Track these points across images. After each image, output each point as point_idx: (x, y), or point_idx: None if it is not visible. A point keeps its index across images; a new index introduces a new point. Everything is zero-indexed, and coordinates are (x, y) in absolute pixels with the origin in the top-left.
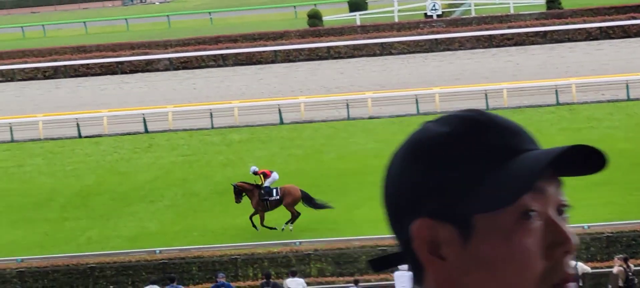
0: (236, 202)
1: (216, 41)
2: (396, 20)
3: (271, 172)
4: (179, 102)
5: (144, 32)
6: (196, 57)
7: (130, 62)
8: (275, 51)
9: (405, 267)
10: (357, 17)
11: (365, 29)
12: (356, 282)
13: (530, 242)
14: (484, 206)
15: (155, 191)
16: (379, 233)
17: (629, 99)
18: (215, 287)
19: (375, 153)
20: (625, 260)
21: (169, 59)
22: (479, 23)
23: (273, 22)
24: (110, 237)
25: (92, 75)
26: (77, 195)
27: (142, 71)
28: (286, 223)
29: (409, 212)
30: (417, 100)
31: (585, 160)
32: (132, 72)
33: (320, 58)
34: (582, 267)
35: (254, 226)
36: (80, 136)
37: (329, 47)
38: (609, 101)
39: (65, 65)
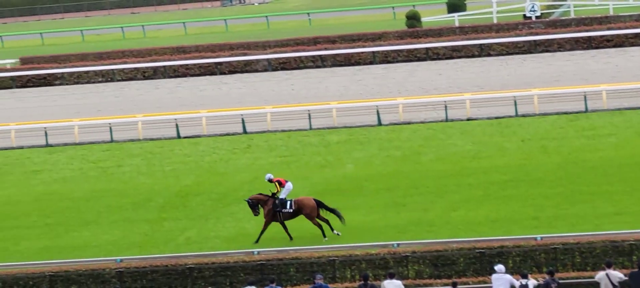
0: (254, 214)
1: (315, 42)
2: (495, 21)
3: (286, 181)
4: (277, 102)
5: (242, 33)
6: (295, 58)
7: (229, 62)
8: (373, 52)
9: (502, 268)
10: (456, 18)
11: (463, 30)
12: (454, 285)
13: None
14: None
15: (253, 192)
16: (477, 236)
17: None
18: None
19: (473, 154)
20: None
21: (267, 59)
22: (578, 24)
23: (371, 23)
24: (208, 238)
25: (191, 75)
26: (176, 195)
27: (241, 72)
28: (332, 231)
29: None
30: (515, 101)
31: None
32: (231, 72)
33: (419, 59)
34: (617, 275)
35: (260, 235)
36: (179, 136)
37: (427, 48)
38: None
39: (164, 66)
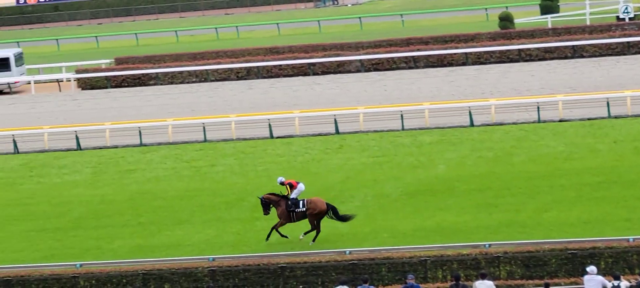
0: (265, 214)
1: (407, 43)
2: (588, 22)
3: (298, 183)
4: (370, 103)
5: (335, 34)
6: (387, 59)
7: (322, 63)
8: (466, 53)
9: (593, 269)
10: (549, 20)
11: (556, 32)
12: (547, 285)
13: None
14: None
15: (345, 192)
16: (569, 237)
17: None
18: None
19: (565, 156)
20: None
21: (360, 60)
22: None
23: (464, 25)
24: None
25: (285, 76)
26: None
27: (334, 72)
28: (304, 233)
29: None
30: (608, 103)
31: None
32: (323, 73)
33: (511, 60)
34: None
35: (282, 235)
36: (272, 136)
37: (520, 50)
38: None
39: (258, 66)
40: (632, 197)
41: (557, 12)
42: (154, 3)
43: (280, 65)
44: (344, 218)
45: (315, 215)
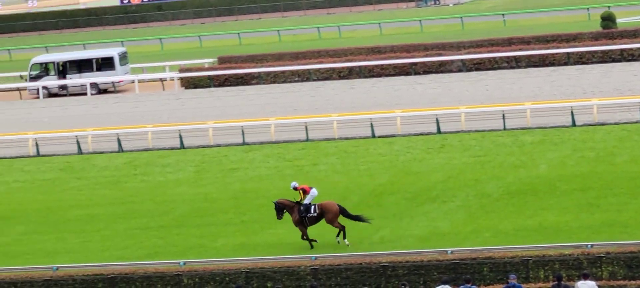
0: (278, 218)
1: (509, 43)
2: None
3: (311, 188)
4: (471, 103)
5: (437, 34)
6: (489, 59)
7: (423, 63)
8: (568, 53)
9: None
10: None
11: None
12: None
13: None
14: None
15: (447, 191)
16: None
17: None
18: None
19: None
20: None
21: (461, 60)
22: None
23: (566, 24)
24: (402, 236)
25: (386, 76)
26: (370, 194)
27: (435, 72)
28: (337, 236)
29: None
30: None
31: None
32: (425, 73)
33: (614, 60)
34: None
35: (307, 239)
36: (374, 136)
37: (622, 50)
38: None
39: (359, 66)
40: None
41: None
42: (257, 2)
43: (382, 65)
44: (355, 218)
45: (332, 219)
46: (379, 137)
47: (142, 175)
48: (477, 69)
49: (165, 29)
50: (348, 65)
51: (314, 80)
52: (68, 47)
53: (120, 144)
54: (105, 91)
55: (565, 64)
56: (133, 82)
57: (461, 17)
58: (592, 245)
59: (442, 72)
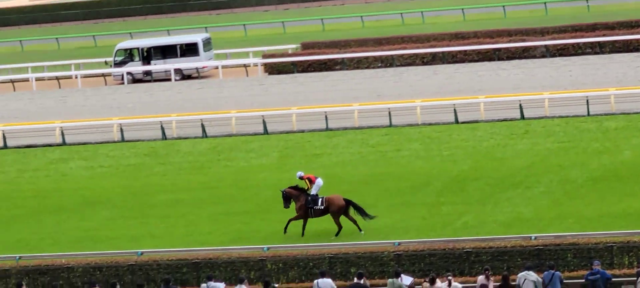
0: (285, 207)
1: (593, 28)
2: None
3: (316, 177)
4: (555, 88)
5: (521, 20)
6: (573, 44)
7: (507, 49)
8: None
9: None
10: None
11: None
12: None
13: None
14: None
15: (530, 177)
16: None
17: None
18: (590, 274)
19: None
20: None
21: (545, 46)
22: None
23: None
24: (485, 222)
25: (469, 61)
26: (453, 180)
27: (519, 58)
28: (336, 235)
29: None
30: None
31: None
32: (508, 58)
33: None
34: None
35: (286, 227)
36: (457, 122)
37: None
38: None
39: (443, 52)
40: None
41: None
42: None
43: (465, 51)
44: (366, 214)
45: (336, 213)
46: (462, 122)
47: (225, 160)
48: (561, 55)
49: (249, 15)
50: (431, 51)
51: (397, 66)
52: (152, 33)
53: (204, 130)
54: (189, 77)
55: None
56: (217, 67)
57: (545, 3)
58: None
59: (525, 57)
